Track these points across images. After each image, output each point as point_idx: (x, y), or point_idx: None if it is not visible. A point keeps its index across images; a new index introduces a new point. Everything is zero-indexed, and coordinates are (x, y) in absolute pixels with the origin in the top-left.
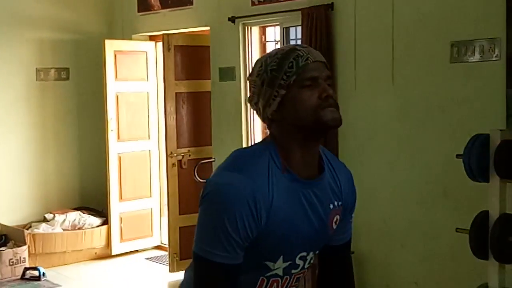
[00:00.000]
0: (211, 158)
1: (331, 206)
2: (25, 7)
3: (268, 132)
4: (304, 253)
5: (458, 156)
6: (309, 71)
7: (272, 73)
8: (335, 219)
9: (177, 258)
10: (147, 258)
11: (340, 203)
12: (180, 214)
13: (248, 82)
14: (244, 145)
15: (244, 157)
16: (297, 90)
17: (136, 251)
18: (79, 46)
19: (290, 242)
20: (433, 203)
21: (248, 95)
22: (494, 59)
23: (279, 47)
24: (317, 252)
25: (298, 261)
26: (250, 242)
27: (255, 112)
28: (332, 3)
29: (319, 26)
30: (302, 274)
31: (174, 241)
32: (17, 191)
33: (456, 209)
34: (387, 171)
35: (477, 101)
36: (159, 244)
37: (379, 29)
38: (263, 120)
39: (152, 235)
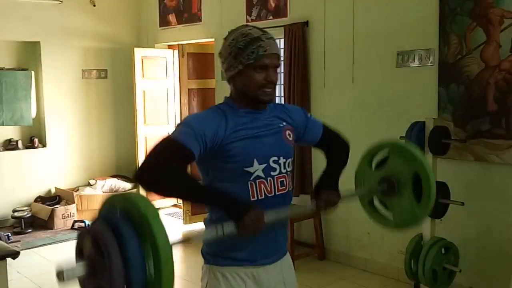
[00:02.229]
0: None
1: (280, 125)
2: (74, 23)
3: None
4: (275, 158)
5: (401, 137)
6: (264, 60)
7: (238, 51)
8: (287, 133)
9: (189, 214)
10: (166, 214)
11: (286, 123)
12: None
13: (222, 43)
14: None
15: (211, 107)
16: (251, 70)
17: (158, 208)
18: (115, 52)
19: (257, 148)
20: None
21: (219, 53)
22: (429, 65)
23: (250, 28)
24: (289, 159)
25: (272, 164)
26: (223, 157)
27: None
28: (307, 21)
29: (297, 38)
30: (284, 178)
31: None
32: (68, 163)
33: None
34: (351, 149)
35: (416, 96)
36: (175, 203)
37: (342, 41)
38: (225, 78)
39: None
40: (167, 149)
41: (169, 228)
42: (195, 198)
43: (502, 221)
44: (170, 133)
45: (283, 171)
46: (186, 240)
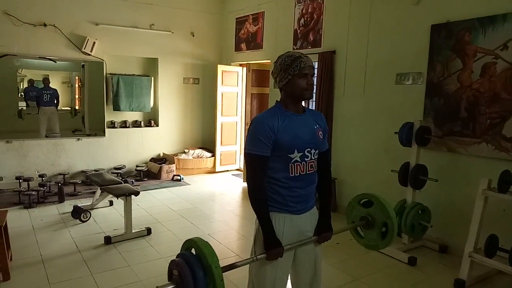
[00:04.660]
0: None
1: (315, 126)
2: (180, 46)
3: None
4: (309, 148)
5: (395, 132)
6: (305, 70)
7: (287, 66)
8: (319, 133)
9: None
10: (232, 174)
11: (319, 126)
12: None
13: (274, 65)
14: None
15: (266, 110)
16: (297, 78)
17: (227, 170)
18: (204, 67)
19: (298, 141)
20: (380, 156)
21: (272, 71)
22: (419, 83)
23: (292, 52)
24: (317, 150)
25: (307, 153)
26: (274, 144)
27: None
28: (335, 50)
29: (327, 62)
30: (313, 163)
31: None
32: (171, 137)
33: (392, 160)
34: (357, 139)
35: (408, 105)
36: (238, 167)
37: (358, 65)
38: (277, 86)
39: (235, 163)
40: (252, 163)
41: (234, 185)
42: (258, 217)
43: (463, 193)
44: (247, 147)
45: (313, 158)
46: (234, 267)
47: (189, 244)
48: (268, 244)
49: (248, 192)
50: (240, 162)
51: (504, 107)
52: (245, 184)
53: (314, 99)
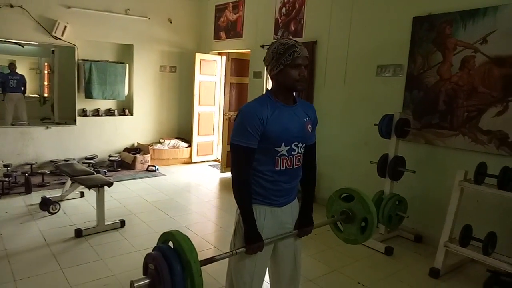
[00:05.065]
0: None
1: (305, 119)
2: (156, 33)
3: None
4: (296, 142)
5: (375, 124)
6: (298, 60)
7: (279, 55)
8: (308, 126)
9: (224, 166)
10: (209, 165)
11: (308, 118)
12: (228, 144)
13: (266, 51)
14: None
15: (255, 99)
16: (289, 68)
17: (204, 161)
18: (183, 55)
19: (286, 135)
20: (359, 148)
21: (264, 58)
22: (399, 75)
23: (286, 39)
24: (304, 144)
25: (294, 147)
26: (261, 136)
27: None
28: (316, 41)
29: (309, 52)
30: (299, 157)
31: (223, 157)
32: (146, 127)
33: (371, 152)
34: (337, 130)
35: (388, 97)
36: (215, 158)
37: (339, 56)
38: (269, 75)
39: (212, 154)
40: (237, 154)
41: (211, 175)
42: (241, 211)
43: (440, 186)
44: (233, 138)
45: (300, 152)
46: (213, 261)
47: (166, 237)
48: (249, 238)
49: (232, 184)
50: (217, 153)
51: (481, 100)
52: (223, 175)
53: None
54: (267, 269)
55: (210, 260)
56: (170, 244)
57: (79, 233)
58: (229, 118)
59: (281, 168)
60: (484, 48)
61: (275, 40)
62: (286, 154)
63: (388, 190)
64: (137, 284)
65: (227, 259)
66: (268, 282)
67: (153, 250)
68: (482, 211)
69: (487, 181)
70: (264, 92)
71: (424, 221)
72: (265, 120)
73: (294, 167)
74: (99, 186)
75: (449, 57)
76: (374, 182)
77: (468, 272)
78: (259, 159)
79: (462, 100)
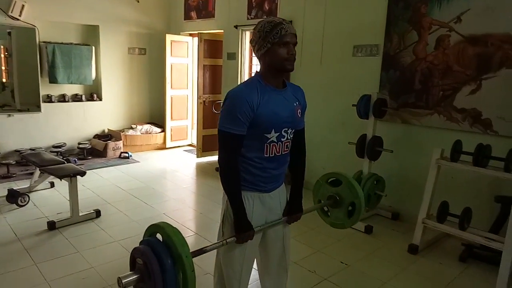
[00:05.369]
0: (220, 100)
1: (295, 104)
2: (123, 13)
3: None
4: (286, 128)
5: (353, 105)
6: (286, 38)
7: (266, 33)
8: (298, 111)
9: (200, 150)
10: (184, 150)
11: (298, 103)
12: (203, 128)
13: (252, 32)
14: None
15: (244, 83)
16: (277, 46)
17: (178, 146)
18: (151, 36)
19: (276, 121)
20: (337, 129)
21: (250, 39)
22: (376, 56)
23: (272, 18)
24: (293, 130)
25: (283, 133)
26: (250, 122)
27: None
28: (291, 20)
29: None
30: (288, 143)
31: (199, 142)
32: (116, 112)
33: (349, 133)
34: (316, 112)
35: (365, 77)
36: (190, 143)
37: (315, 35)
38: (256, 56)
39: (187, 138)
40: (225, 142)
41: (186, 161)
42: (230, 200)
43: (416, 164)
44: (222, 124)
45: (289, 138)
46: (203, 252)
47: (154, 229)
48: (239, 227)
49: (220, 172)
50: (192, 138)
51: (456, 79)
52: (199, 160)
53: None
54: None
55: (200, 252)
56: (158, 236)
57: (52, 226)
58: (204, 101)
59: (270, 155)
60: (458, 27)
61: (261, 20)
62: (276, 141)
63: (366, 170)
64: (125, 280)
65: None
66: (257, 269)
67: (140, 244)
68: (456, 188)
69: (462, 158)
70: (254, 75)
71: (400, 199)
72: (255, 106)
73: (283, 153)
74: (71, 175)
75: (425, 36)
76: (352, 163)
77: (444, 246)
78: (247, 146)
79: (438, 79)
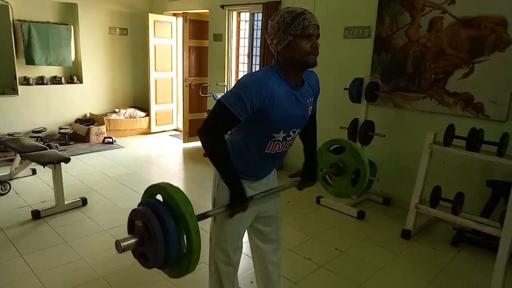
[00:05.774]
0: (206, 83)
1: (308, 101)
2: None
3: (273, 60)
4: (295, 129)
5: (345, 88)
6: (309, 29)
7: (286, 25)
8: (309, 108)
9: (187, 135)
10: (170, 135)
11: (312, 99)
12: (189, 112)
13: (269, 24)
14: (225, 76)
15: (264, 71)
16: (299, 39)
17: (164, 131)
18: (134, 16)
19: (287, 122)
20: (328, 114)
21: (267, 32)
22: (367, 38)
23: (292, 7)
24: (300, 129)
25: (291, 133)
26: (261, 117)
27: (270, 44)
28: (280, 1)
29: (272, 13)
30: (292, 141)
31: (185, 126)
32: (98, 95)
33: (341, 117)
34: None
35: (357, 60)
36: (176, 128)
37: None
38: (274, 51)
39: (172, 123)
40: (219, 114)
41: (172, 146)
42: (221, 171)
43: (408, 149)
44: (226, 96)
45: (294, 137)
46: (206, 216)
47: (154, 190)
48: (235, 195)
49: (206, 145)
50: (177, 122)
51: (448, 62)
52: (186, 145)
53: (258, 54)
54: (248, 238)
55: (203, 216)
56: (158, 198)
57: (36, 215)
58: (190, 84)
59: (271, 152)
60: (451, 9)
61: (279, 10)
62: (281, 140)
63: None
64: (124, 243)
65: (209, 228)
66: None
67: (139, 205)
68: (448, 172)
69: (454, 143)
70: (271, 66)
71: (392, 184)
72: (268, 101)
73: (284, 150)
74: (55, 162)
75: (417, 18)
76: None
77: (435, 230)
78: (250, 138)
79: (430, 63)
